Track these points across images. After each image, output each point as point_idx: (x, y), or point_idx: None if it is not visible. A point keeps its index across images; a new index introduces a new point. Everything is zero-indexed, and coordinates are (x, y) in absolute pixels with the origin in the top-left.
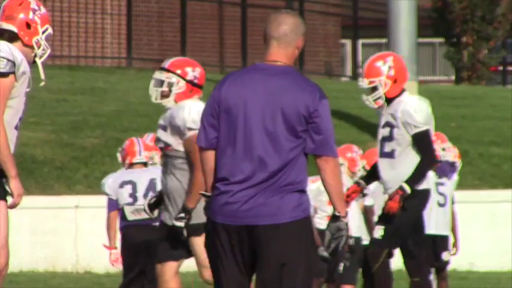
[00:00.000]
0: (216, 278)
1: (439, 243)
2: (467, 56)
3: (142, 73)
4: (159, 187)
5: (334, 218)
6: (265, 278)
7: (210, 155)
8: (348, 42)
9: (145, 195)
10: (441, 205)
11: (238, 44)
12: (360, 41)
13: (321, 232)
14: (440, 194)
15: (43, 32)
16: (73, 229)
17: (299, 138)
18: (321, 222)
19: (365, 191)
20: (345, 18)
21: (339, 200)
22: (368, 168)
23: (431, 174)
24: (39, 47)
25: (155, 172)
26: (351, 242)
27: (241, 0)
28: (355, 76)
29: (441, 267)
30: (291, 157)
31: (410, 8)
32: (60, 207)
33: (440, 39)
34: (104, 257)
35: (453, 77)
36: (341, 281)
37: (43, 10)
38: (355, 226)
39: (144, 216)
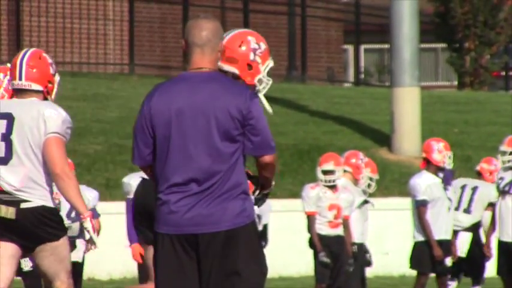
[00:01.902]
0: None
1: (444, 248)
2: (470, 61)
3: (144, 79)
4: None
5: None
6: (216, 285)
7: (147, 171)
8: (350, 48)
9: None
10: (449, 210)
11: None
12: (362, 47)
13: (322, 238)
14: (449, 199)
15: (264, 69)
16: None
17: (236, 142)
18: (321, 227)
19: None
20: (347, 24)
21: (269, 183)
22: (373, 176)
23: (438, 181)
24: (261, 84)
25: None
26: (354, 248)
27: (243, 5)
28: (357, 82)
29: (443, 272)
30: (231, 162)
31: (412, 13)
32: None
33: (443, 45)
34: (107, 264)
35: (455, 83)
36: (344, 287)
37: (263, 47)
38: (358, 233)
39: None
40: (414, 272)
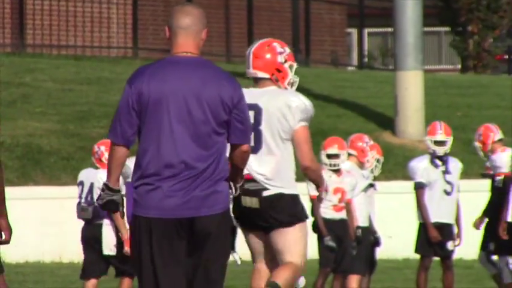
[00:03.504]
0: (145, 274)
1: (445, 232)
2: (473, 44)
3: (148, 63)
4: None
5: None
6: (203, 268)
7: (123, 151)
8: (354, 31)
9: None
10: (448, 193)
11: (245, 33)
12: (366, 30)
13: (327, 221)
14: (448, 182)
15: (291, 69)
16: (79, 219)
17: (223, 129)
18: (326, 211)
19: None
20: (351, 7)
21: (238, 176)
22: (380, 157)
23: (439, 164)
24: (292, 85)
25: None
26: (359, 232)
27: None
28: (361, 65)
29: (446, 256)
30: (220, 147)
31: None
32: (67, 198)
33: (446, 28)
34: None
35: (459, 66)
36: (349, 271)
37: (287, 50)
38: (363, 216)
39: None
40: (418, 256)
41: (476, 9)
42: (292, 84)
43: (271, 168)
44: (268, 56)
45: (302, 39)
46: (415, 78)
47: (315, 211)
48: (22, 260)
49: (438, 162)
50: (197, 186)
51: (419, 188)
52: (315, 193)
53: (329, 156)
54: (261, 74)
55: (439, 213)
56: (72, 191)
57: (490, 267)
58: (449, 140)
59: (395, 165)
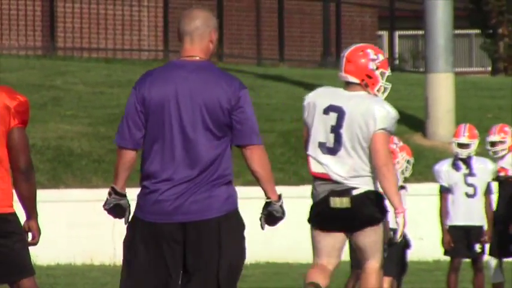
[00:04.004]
0: (130, 274)
1: (471, 234)
2: (503, 47)
3: None
4: None
5: (267, 204)
6: (198, 275)
7: (131, 155)
8: (384, 34)
9: None
10: (470, 196)
11: (275, 36)
12: (397, 33)
13: None
14: (469, 185)
15: (382, 77)
16: (110, 222)
17: (224, 132)
18: None
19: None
20: (382, 10)
21: (269, 185)
22: (410, 158)
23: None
24: (380, 91)
25: None
26: (391, 234)
27: None
28: (391, 68)
29: (475, 258)
30: (218, 152)
31: None
32: (98, 200)
33: (476, 31)
34: None
35: (489, 68)
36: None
37: (381, 58)
38: (394, 218)
39: None
40: (449, 257)
41: (506, 11)
42: (383, 91)
43: (348, 170)
44: (360, 61)
45: (333, 42)
46: (445, 80)
47: None
48: (53, 262)
49: (461, 164)
50: (193, 191)
51: (441, 191)
52: None
53: None
54: (351, 79)
55: (463, 215)
56: (103, 193)
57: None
58: (474, 143)
59: (425, 167)
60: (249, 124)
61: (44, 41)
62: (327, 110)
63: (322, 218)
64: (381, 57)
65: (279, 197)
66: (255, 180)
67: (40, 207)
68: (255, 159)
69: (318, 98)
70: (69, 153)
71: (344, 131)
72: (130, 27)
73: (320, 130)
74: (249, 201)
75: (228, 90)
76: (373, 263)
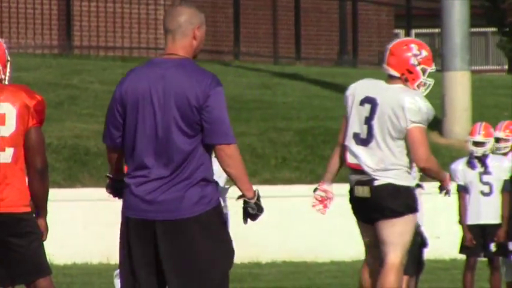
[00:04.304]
0: (122, 270)
1: (487, 233)
2: None
3: (195, 64)
4: None
5: (244, 202)
6: (173, 275)
7: (114, 152)
8: (401, 32)
9: None
10: (485, 194)
11: (292, 34)
12: (413, 31)
13: None
14: (485, 183)
15: (423, 73)
16: None
17: (195, 131)
18: None
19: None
20: (398, 8)
21: (243, 184)
22: None
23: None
24: (420, 87)
25: None
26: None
27: None
28: None
29: (491, 257)
30: (189, 150)
31: None
32: (114, 199)
33: (493, 29)
34: None
35: (506, 66)
36: None
37: (424, 54)
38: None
39: None
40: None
41: None
42: (426, 87)
43: (377, 162)
44: (402, 55)
45: (349, 40)
46: (462, 78)
47: None
48: (70, 261)
49: (476, 163)
50: (165, 189)
51: (459, 190)
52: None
53: None
54: (392, 72)
55: (479, 214)
56: None
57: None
58: (489, 141)
59: (442, 166)
60: (219, 123)
61: (60, 39)
62: (363, 102)
63: (352, 207)
64: (424, 53)
65: (255, 193)
66: (272, 179)
67: (56, 207)
68: (225, 158)
69: (357, 90)
70: (86, 152)
71: (375, 123)
72: (146, 25)
73: (355, 121)
74: (266, 200)
75: (198, 88)
76: (392, 258)
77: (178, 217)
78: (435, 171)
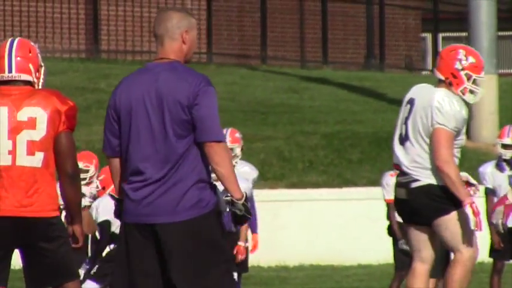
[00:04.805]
0: (117, 275)
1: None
2: None
3: (222, 68)
4: None
5: (231, 203)
6: (175, 278)
7: (116, 162)
8: (428, 36)
9: None
10: None
11: (319, 38)
12: (440, 35)
13: (401, 225)
14: None
15: (468, 79)
16: None
17: (188, 131)
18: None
19: None
20: (425, 12)
21: (230, 184)
22: None
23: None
24: (465, 94)
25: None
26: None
27: None
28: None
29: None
30: (182, 151)
31: (490, 1)
32: None
33: None
34: None
35: None
36: None
37: (470, 60)
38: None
39: None
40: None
41: None
42: (473, 95)
43: (410, 161)
44: (448, 59)
45: (376, 44)
46: (489, 82)
47: (390, 215)
48: None
49: (505, 166)
50: (161, 192)
51: (487, 193)
52: (390, 197)
53: None
54: (438, 75)
55: (508, 217)
56: None
57: None
58: None
59: (469, 169)
60: (208, 120)
61: (87, 43)
62: (407, 103)
63: (396, 209)
64: (471, 59)
65: (242, 195)
66: (299, 183)
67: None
68: (214, 156)
69: (408, 92)
70: None
71: (410, 122)
72: None
73: (400, 122)
74: (293, 204)
75: (188, 88)
76: (457, 255)
77: (176, 220)
78: (453, 182)
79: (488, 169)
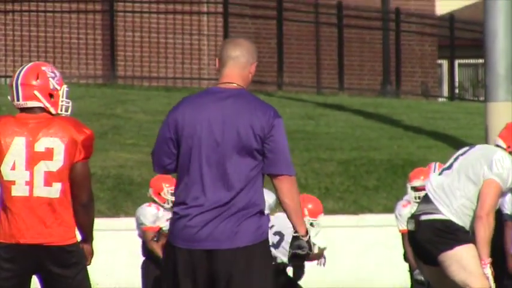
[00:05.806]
0: None
1: None
2: None
3: None
4: None
5: (294, 238)
6: None
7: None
8: (444, 63)
9: None
10: None
11: (335, 64)
12: (457, 61)
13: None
14: None
15: None
16: None
17: (256, 160)
18: None
19: None
20: (442, 39)
21: (298, 219)
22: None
23: None
24: None
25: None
26: None
27: (337, 20)
28: (452, 96)
29: None
30: (249, 179)
31: (506, 27)
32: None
33: None
34: None
35: None
36: None
37: None
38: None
39: None
40: None
41: None
42: None
43: (440, 185)
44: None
45: (392, 70)
46: (505, 109)
47: (404, 244)
48: None
49: None
50: (222, 219)
51: (505, 219)
52: (403, 228)
53: (414, 188)
54: (499, 142)
55: None
56: None
57: None
58: None
59: None
60: (281, 153)
61: (104, 69)
62: (466, 150)
63: (408, 240)
64: None
65: (306, 232)
66: (338, 209)
67: (101, 236)
68: (284, 190)
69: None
70: (130, 182)
71: (462, 158)
72: (190, 55)
73: (449, 160)
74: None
75: (262, 118)
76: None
77: (238, 245)
78: (484, 236)
79: (506, 197)
